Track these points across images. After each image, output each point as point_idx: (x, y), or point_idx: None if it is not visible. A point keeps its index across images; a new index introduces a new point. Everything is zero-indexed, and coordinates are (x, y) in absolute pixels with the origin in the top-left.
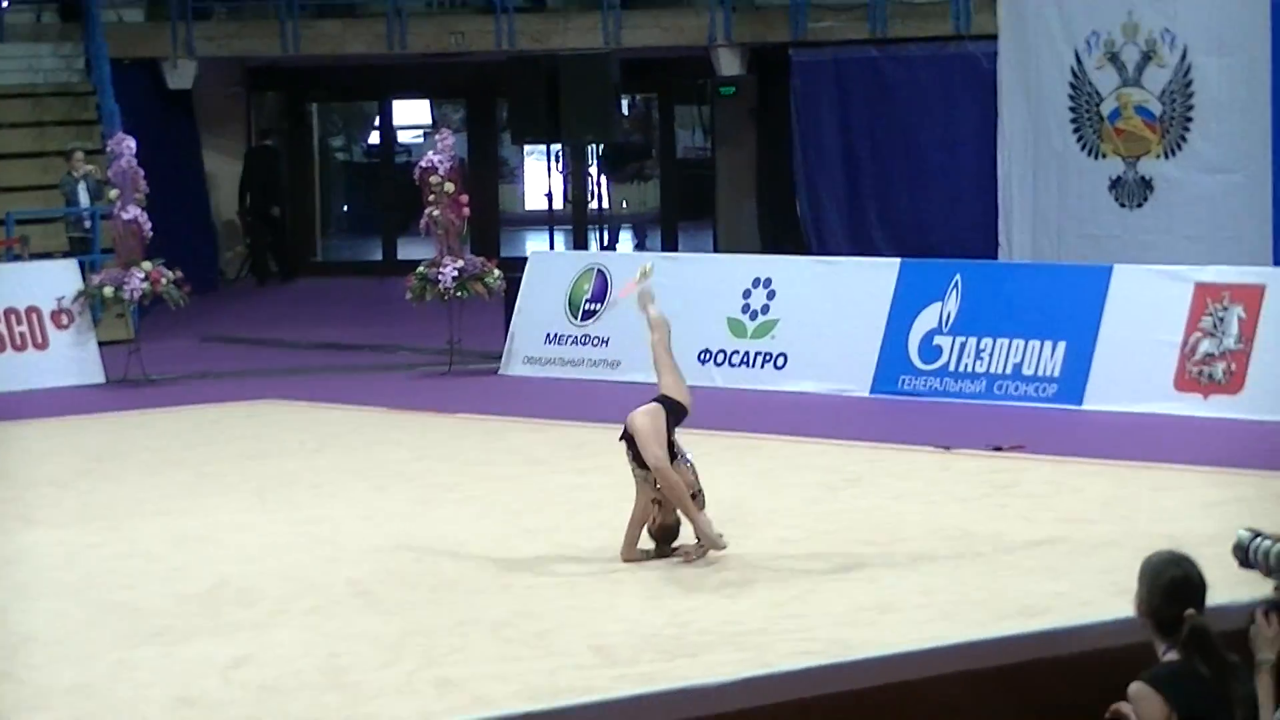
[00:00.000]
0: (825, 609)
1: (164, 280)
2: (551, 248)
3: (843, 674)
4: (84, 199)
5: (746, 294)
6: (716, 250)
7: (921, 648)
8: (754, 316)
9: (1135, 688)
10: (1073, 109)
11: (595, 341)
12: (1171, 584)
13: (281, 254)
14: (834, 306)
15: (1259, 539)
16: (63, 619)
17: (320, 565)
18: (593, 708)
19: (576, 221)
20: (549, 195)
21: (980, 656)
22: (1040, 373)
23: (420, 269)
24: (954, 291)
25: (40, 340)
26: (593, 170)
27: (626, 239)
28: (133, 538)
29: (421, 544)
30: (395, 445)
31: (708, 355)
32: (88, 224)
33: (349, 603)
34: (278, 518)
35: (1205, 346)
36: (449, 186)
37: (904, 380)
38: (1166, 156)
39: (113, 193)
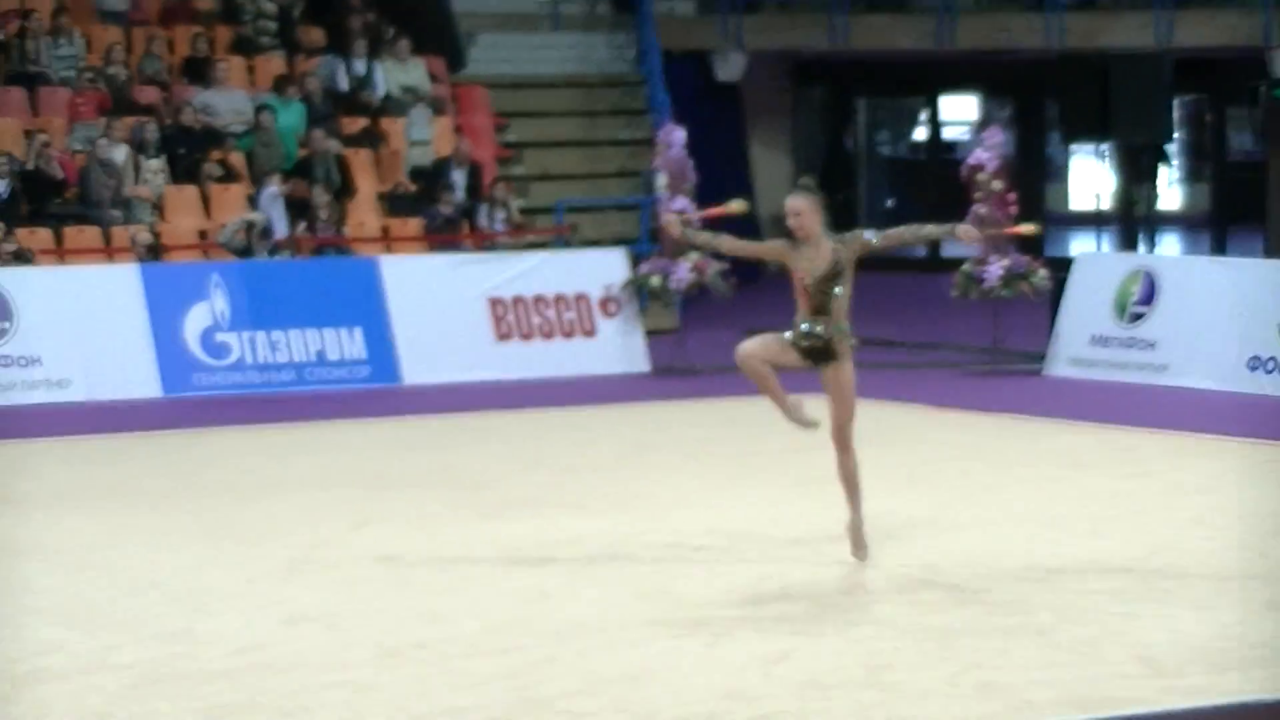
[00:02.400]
0: None
1: (710, 271)
2: (1098, 248)
3: None
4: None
5: None
6: (1267, 255)
7: None
8: None
9: None
10: None
11: (1142, 345)
12: None
13: None
14: None
15: None
16: (608, 607)
17: (860, 562)
18: None
19: (1124, 222)
20: (1097, 195)
21: None
22: None
23: (965, 266)
24: None
25: (588, 327)
26: (1141, 171)
27: (1173, 241)
28: (676, 527)
29: (963, 545)
30: (936, 444)
31: (1257, 363)
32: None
33: (891, 599)
34: (817, 512)
35: None
36: (996, 184)
37: None
38: None
39: (662, 182)
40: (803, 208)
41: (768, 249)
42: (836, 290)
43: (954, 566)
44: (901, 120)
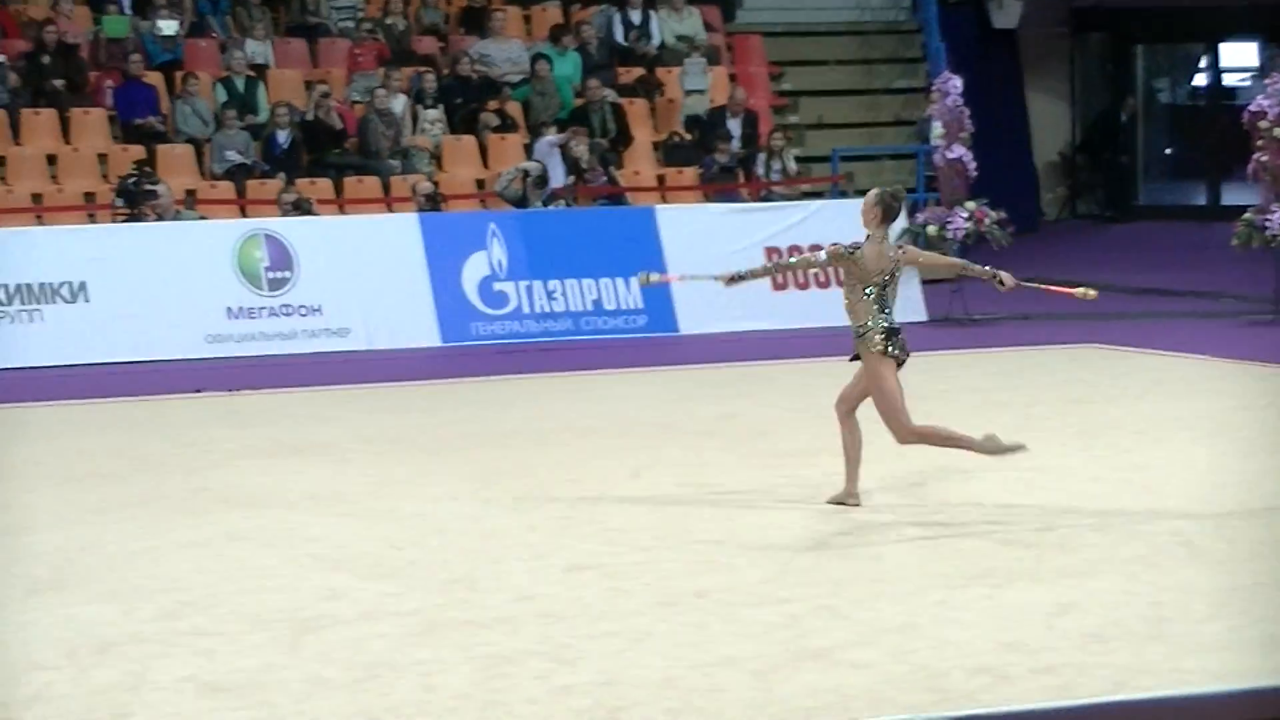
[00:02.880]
0: None
1: (987, 220)
2: None
3: None
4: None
5: None
6: None
7: None
8: None
9: None
10: None
11: None
12: None
13: (1111, 199)
14: None
15: None
16: (886, 557)
17: (1143, 514)
18: None
19: None
20: None
21: None
22: None
23: (1247, 215)
24: None
25: None
26: None
27: None
28: (952, 476)
29: (1260, 498)
30: (1219, 395)
31: None
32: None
33: (1172, 553)
34: (1100, 463)
35: None
36: (1278, 131)
37: None
38: None
39: (938, 131)
40: (862, 208)
41: (820, 260)
42: (867, 291)
43: (1244, 521)
44: (1180, 67)
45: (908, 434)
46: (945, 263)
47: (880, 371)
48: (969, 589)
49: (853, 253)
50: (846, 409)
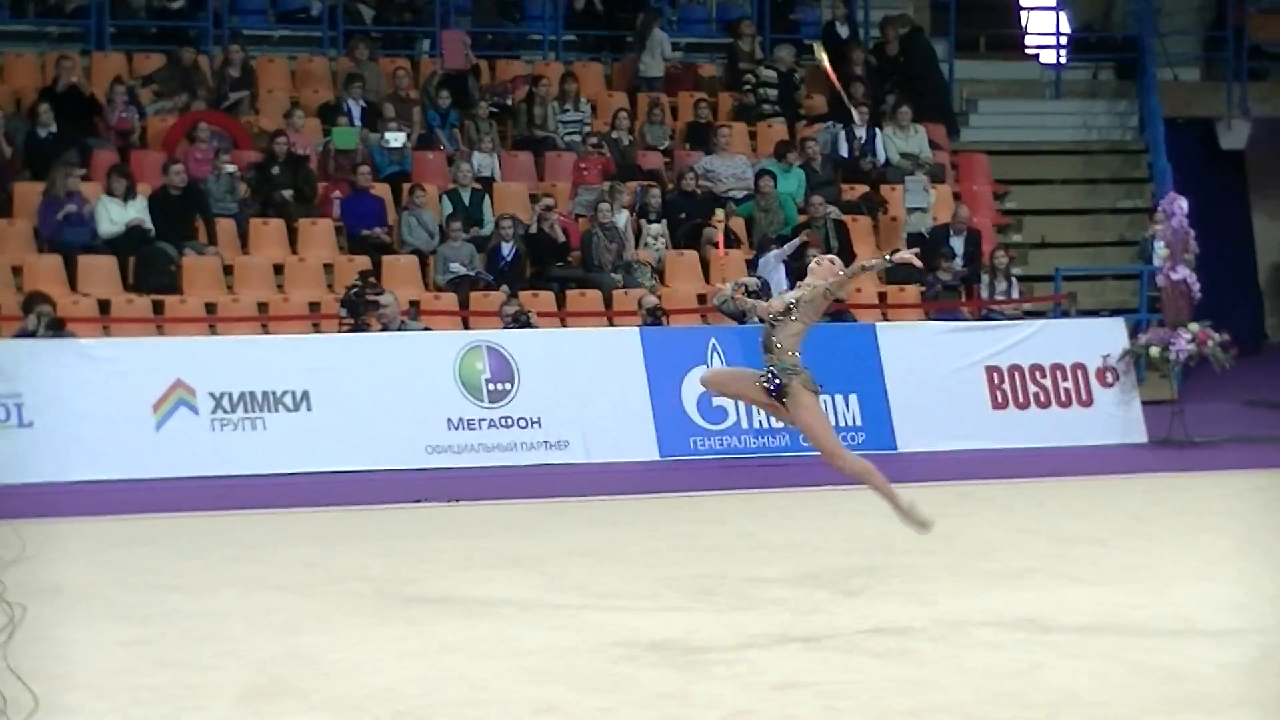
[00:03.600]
0: None
1: (1210, 342)
2: None
3: None
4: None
5: None
6: None
7: None
8: None
9: None
10: None
11: None
12: None
13: None
14: None
15: None
16: (1104, 681)
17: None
18: None
19: None
20: None
21: None
22: None
23: None
24: None
25: (1085, 397)
26: None
27: None
28: (1177, 600)
29: None
30: None
31: None
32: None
33: None
34: None
35: None
36: None
37: None
38: None
39: (1163, 252)
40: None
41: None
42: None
43: None
44: None
45: (852, 464)
46: (846, 277)
47: (817, 404)
48: (1184, 714)
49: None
50: (841, 463)
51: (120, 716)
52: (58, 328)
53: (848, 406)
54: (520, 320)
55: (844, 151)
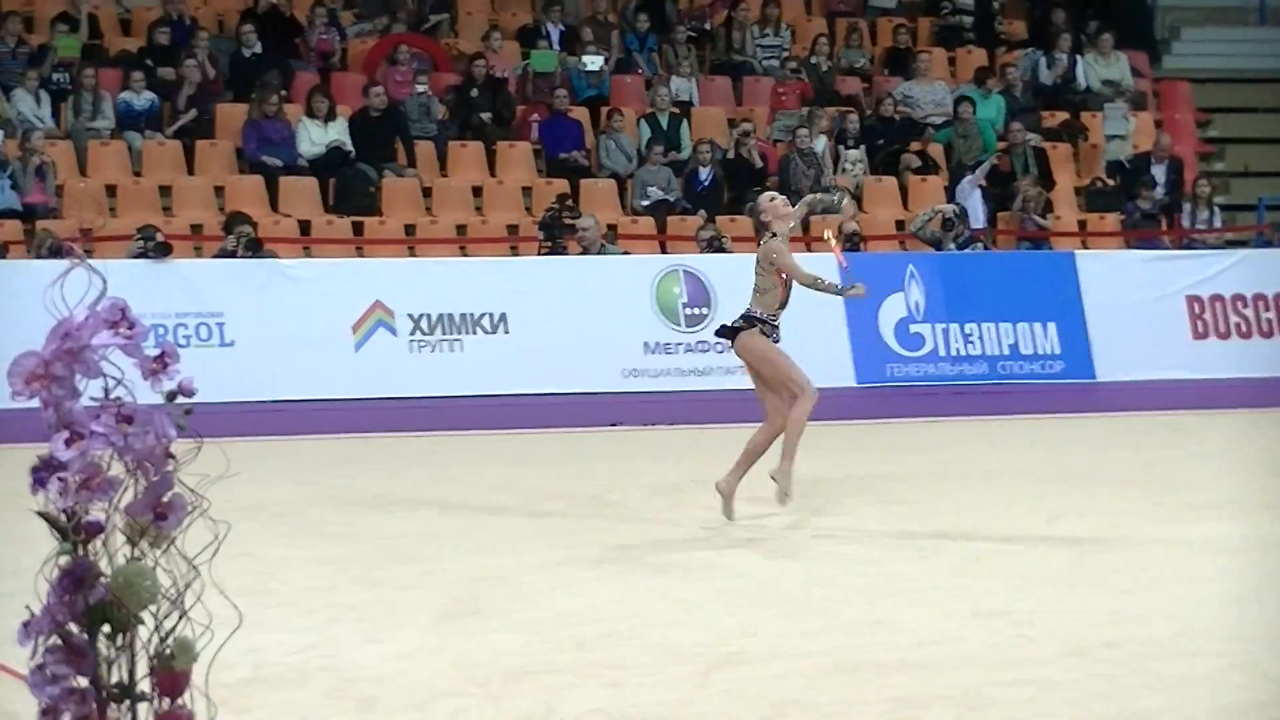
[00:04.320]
0: None
1: None
2: None
3: None
4: None
5: None
6: None
7: None
8: None
9: None
10: None
11: None
12: None
13: None
14: None
15: None
16: None
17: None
18: None
19: None
20: None
21: None
22: None
23: None
24: None
25: None
26: None
27: None
28: None
29: None
30: None
31: None
32: None
33: None
34: None
35: None
36: None
37: None
38: None
39: None
40: (764, 205)
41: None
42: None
43: None
44: None
45: (804, 405)
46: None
47: (769, 344)
48: None
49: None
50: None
51: (320, 634)
52: (256, 248)
53: (1045, 335)
54: (715, 245)
55: (1044, 78)
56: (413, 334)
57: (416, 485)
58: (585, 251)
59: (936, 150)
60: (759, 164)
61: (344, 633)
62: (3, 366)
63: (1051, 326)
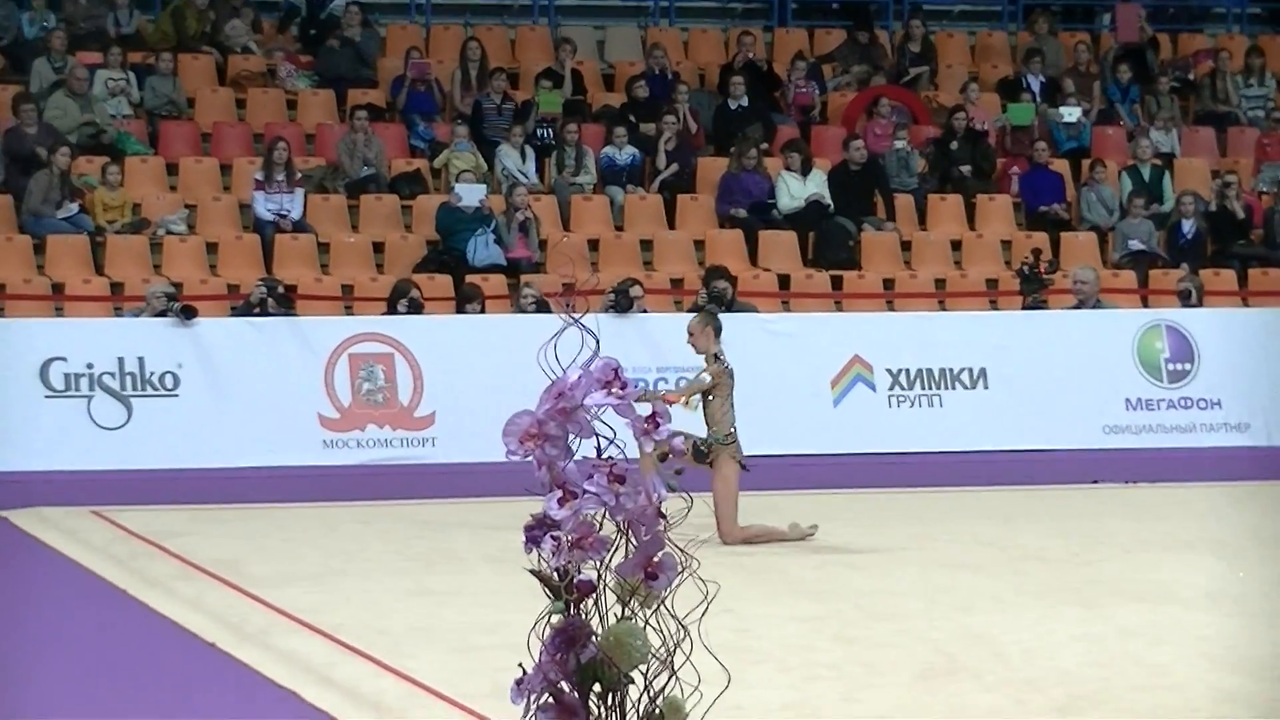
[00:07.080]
0: None
1: None
2: None
3: None
4: None
5: None
6: None
7: None
8: None
9: None
10: None
11: None
12: None
13: None
14: None
15: None
16: None
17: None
18: None
19: None
20: None
21: None
22: None
23: None
24: None
25: None
26: None
27: None
28: None
29: None
30: None
31: None
32: None
33: None
34: None
35: None
36: None
37: None
38: None
39: None
40: (694, 329)
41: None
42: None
43: None
44: None
45: (738, 535)
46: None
47: (733, 477)
48: None
49: (727, 367)
50: (727, 536)
51: (798, 693)
52: (730, 303)
53: None
54: (1186, 298)
55: None
56: (891, 389)
57: (894, 541)
58: (1081, 304)
59: None
60: (1242, 215)
61: (824, 691)
62: (498, 422)
63: None
